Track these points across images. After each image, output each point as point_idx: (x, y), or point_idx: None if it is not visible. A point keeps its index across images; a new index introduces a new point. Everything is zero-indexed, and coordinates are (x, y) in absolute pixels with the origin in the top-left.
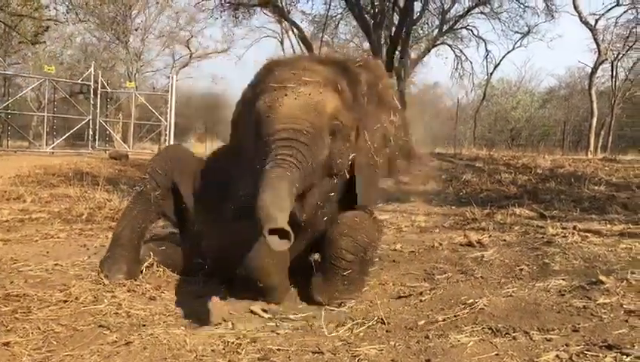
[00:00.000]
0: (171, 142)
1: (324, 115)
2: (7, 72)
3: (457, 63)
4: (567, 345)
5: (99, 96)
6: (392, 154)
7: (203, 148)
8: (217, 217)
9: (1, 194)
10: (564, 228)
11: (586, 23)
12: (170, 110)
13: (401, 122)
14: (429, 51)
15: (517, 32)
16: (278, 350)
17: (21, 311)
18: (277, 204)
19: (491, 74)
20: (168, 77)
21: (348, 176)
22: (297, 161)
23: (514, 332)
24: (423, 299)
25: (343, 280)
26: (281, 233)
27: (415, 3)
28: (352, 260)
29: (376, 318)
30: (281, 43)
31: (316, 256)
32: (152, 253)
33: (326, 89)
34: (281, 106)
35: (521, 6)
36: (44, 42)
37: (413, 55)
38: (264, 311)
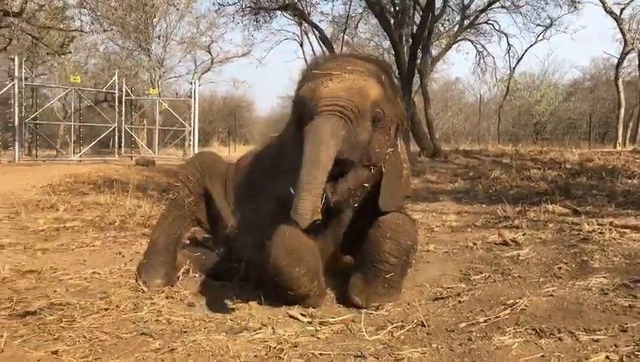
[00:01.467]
0: (196, 147)
1: (367, 99)
2: (34, 83)
3: (479, 59)
4: (615, 345)
5: (123, 103)
6: (408, 175)
7: (226, 152)
8: (250, 221)
9: (35, 204)
10: (600, 225)
11: (610, 13)
12: (194, 115)
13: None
14: (450, 47)
15: (539, 25)
16: (321, 354)
17: (66, 320)
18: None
19: (514, 68)
20: (191, 82)
21: (384, 170)
22: (344, 119)
23: (559, 333)
24: (462, 300)
25: (383, 283)
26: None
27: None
28: (395, 263)
29: (415, 321)
30: (301, 45)
31: (347, 257)
32: (187, 259)
33: (369, 77)
34: (326, 88)
35: None
36: (70, 52)
37: (434, 52)
38: (303, 315)
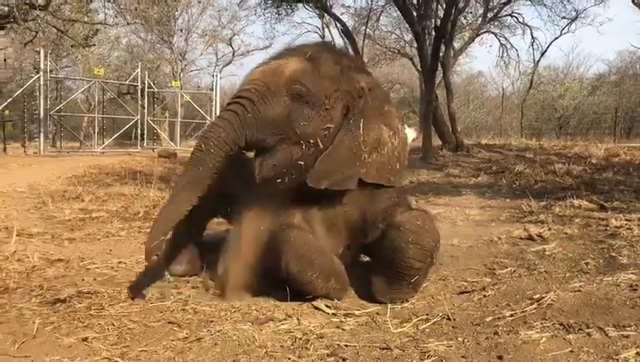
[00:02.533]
0: None
1: (280, 76)
2: (59, 76)
3: (502, 52)
4: None
5: (146, 96)
6: (383, 161)
7: None
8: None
9: (61, 194)
10: (628, 220)
11: (638, 5)
12: (215, 108)
13: (400, 145)
14: (473, 40)
15: (564, 18)
16: (346, 346)
17: (94, 308)
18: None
19: (538, 61)
20: (212, 75)
21: (322, 147)
22: (236, 115)
23: (587, 329)
24: (487, 294)
25: (407, 285)
26: None
27: None
28: (420, 267)
29: (440, 314)
30: (322, 38)
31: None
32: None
33: (293, 58)
34: (249, 75)
35: None
36: (94, 45)
37: (456, 45)
38: (327, 306)
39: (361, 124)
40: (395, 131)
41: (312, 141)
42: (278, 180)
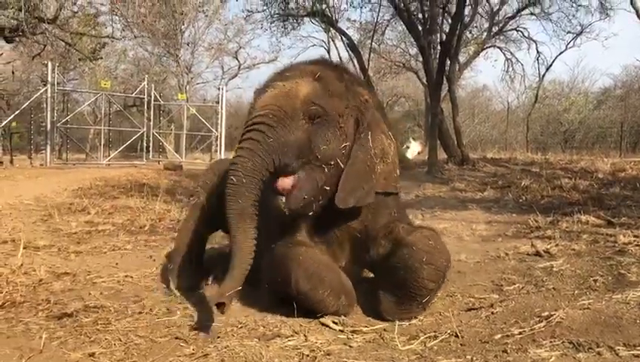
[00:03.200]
0: (222, 152)
1: (296, 99)
2: (66, 88)
3: (508, 66)
4: None
5: (152, 108)
6: (390, 169)
7: None
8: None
9: (67, 207)
10: (636, 236)
11: None
12: (221, 121)
13: (395, 151)
14: (479, 54)
15: (569, 32)
16: None
17: (101, 323)
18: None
19: (543, 76)
20: (218, 88)
21: (342, 167)
22: (258, 142)
23: (597, 347)
24: (495, 311)
25: (417, 305)
26: None
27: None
28: (433, 288)
29: (448, 331)
30: (328, 52)
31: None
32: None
33: (302, 78)
34: (259, 100)
35: (574, 5)
36: (101, 58)
37: (461, 59)
38: (335, 323)
39: (370, 137)
40: (390, 139)
41: (332, 163)
42: (308, 209)
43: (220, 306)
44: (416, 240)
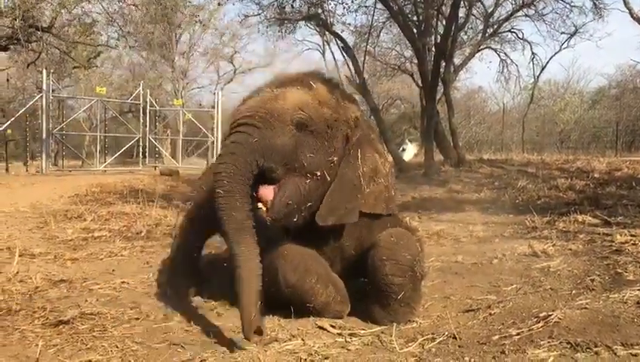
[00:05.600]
0: None
1: (283, 103)
2: (61, 95)
3: (503, 67)
4: None
5: (148, 114)
6: (380, 189)
7: None
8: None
9: (63, 214)
10: (633, 236)
11: (638, 20)
12: (217, 125)
13: (389, 170)
14: (474, 56)
15: (563, 33)
16: None
17: (98, 330)
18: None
19: (538, 76)
20: (214, 93)
21: (329, 180)
22: (240, 144)
23: (595, 347)
24: (493, 312)
25: (399, 303)
26: None
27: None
28: (401, 282)
29: (446, 333)
30: (323, 55)
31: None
32: (213, 269)
33: (292, 87)
34: (244, 104)
35: (567, 6)
36: (97, 66)
37: (456, 60)
38: (332, 326)
39: (359, 154)
40: (384, 157)
41: (318, 173)
42: (290, 219)
43: (257, 333)
44: (380, 239)
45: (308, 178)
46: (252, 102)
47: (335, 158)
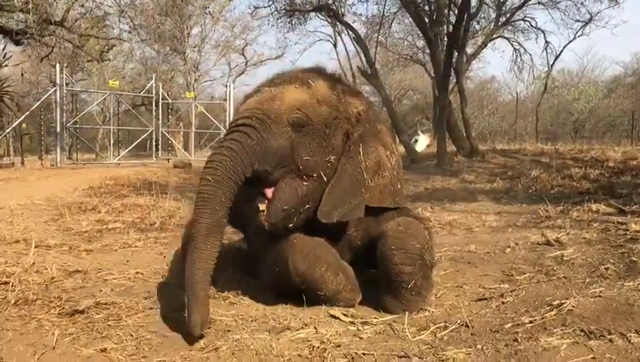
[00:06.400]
0: None
1: (280, 104)
2: (75, 89)
3: (516, 56)
4: None
5: (160, 107)
6: (386, 183)
7: None
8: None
9: (78, 206)
10: None
11: None
12: (229, 118)
13: (397, 163)
14: (486, 45)
15: (578, 21)
16: (364, 354)
17: (112, 319)
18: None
19: (552, 65)
20: (225, 85)
21: (326, 180)
22: (240, 143)
23: (609, 335)
24: (505, 301)
25: (410, 292)
26: None
27: None
28: (411, 271)
29: (458, 321)
30: (335, 46)
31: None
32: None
33: (290, 85)
34: (244, 104)
35: None
36: (109, 60)
37: (469, 50)
38: (344, 314)
39: (361, 149)
40: (391, 150)
41: (315, 175)
42: (288, 222)
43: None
44: (388, 229)
45: (305, 180)
46: (251, 103)
47: (333, 157)
